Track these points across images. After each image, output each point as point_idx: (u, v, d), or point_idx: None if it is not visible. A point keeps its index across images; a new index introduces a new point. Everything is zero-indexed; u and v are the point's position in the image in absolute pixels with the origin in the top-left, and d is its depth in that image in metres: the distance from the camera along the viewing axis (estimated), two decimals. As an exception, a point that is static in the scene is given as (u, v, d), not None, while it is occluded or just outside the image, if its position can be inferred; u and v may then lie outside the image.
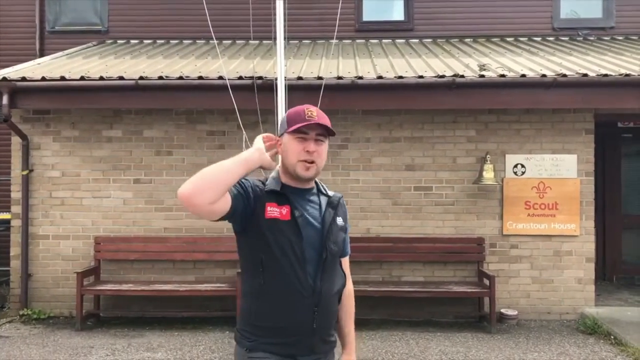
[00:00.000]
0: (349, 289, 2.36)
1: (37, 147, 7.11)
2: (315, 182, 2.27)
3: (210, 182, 1.91)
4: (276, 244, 2.06)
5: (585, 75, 6.28)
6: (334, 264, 2.18)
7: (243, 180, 2.10)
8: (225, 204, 1.98)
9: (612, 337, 5.96)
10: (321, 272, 2.10)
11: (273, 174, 2.23)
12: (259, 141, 2.14)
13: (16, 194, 7.08)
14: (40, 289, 7.05)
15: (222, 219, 2.04)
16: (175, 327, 6.49)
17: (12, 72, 6.97)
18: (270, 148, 2.17)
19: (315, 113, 2.11)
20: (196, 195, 1.89)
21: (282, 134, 2.17)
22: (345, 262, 2.35)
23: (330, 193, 2.27)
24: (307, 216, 2.14)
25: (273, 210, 2.08)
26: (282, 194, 2.13)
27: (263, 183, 2.19)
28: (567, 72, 6.39)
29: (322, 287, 2.10)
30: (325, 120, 2.12)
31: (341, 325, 2.33)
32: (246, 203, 2.07)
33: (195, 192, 1.89)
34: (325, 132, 2.13)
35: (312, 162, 2.11)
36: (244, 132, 5.70)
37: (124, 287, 6.63)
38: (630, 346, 5.60)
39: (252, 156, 2.05)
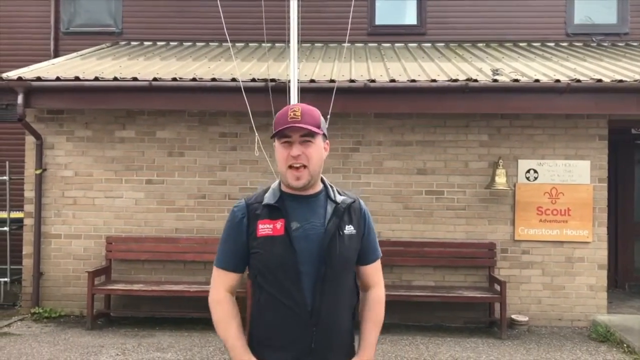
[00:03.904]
0: (378, 295, 2.20)
1: (50, 146, 7.17)
2: (325, 186, 2.11)
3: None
4: (268, 261, 1.98)
5: (600, 80, 6.25)
6: (338, 278, 2.01)
7: (230, 234, 2.07)
8: (238, 281, 2.11)
9: (625, 345, 5.89)
10: (320, 289, 1.96)
11: (274, 184, 2.11)
12: None
13: (29, 192, 7.14)
14: (51, 288, 7.10)
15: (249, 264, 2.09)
16: (185, 327, 6.51)
17: (27, 71, 7.04)
18: None
19: (299, 113, 1.96)
20: None
21: (272, 138, 2.04)
22: (372, 268, 2.19)
23: (340, 198, 2.08)
24: (307, 228, 1.99)
25: (265, 228, 1.99)
26: (277, 207, 2.01)
27: (264, 194, 2.09)
28: (581, 78, 6.36)
29: (322, 305, 1.96)
30: (309, 119, 1.96)
31: (361, 330, 2.19)
32: (244, 254, 2.06)
33: None
34: (310, 132, 1.97)
35: (304, 167, 1.97)
36: (256, 134, 5.73)
37: (135, 287, 6.65)
38: (643, 354, 5.55)
39: None
